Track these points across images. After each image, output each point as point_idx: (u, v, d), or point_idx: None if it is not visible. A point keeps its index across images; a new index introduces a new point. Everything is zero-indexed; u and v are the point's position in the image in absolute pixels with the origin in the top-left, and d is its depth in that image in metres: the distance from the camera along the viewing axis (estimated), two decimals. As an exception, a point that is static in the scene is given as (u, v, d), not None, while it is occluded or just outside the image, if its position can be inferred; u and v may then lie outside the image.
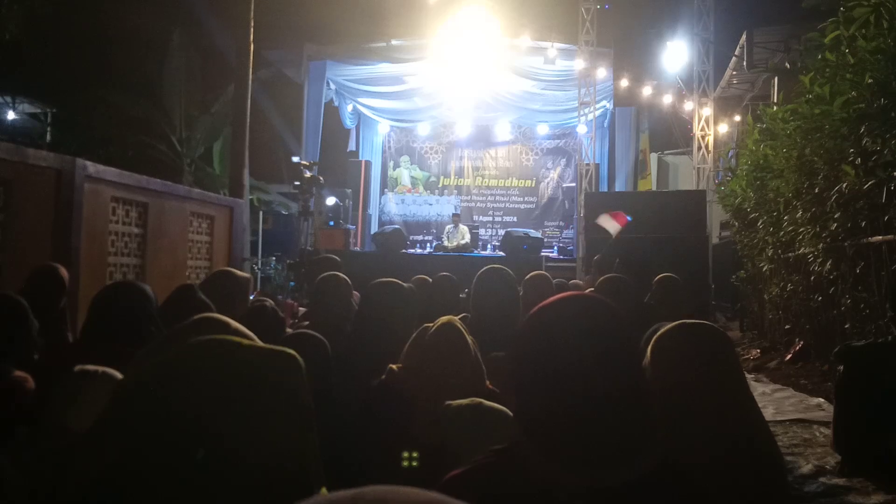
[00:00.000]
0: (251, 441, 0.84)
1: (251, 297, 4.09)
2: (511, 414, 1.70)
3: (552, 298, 1.14)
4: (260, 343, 0.97)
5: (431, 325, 2.14)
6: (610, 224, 8.15)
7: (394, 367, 2.16)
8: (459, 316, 2.70)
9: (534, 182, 16.35)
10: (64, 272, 3.50)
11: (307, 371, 0.96)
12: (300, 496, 0.72)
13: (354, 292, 3.48)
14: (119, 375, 1.70)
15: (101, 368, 1.76)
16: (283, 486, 0.84)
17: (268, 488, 0.83)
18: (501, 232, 14.13)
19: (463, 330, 2.10)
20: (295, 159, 10.75)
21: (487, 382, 2.12)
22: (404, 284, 3.04)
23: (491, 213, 16.37)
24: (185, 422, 0.82)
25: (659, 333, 1.57)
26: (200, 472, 0.81)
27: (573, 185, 14.76)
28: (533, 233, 12.39)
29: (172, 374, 0.87)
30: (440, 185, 16.70)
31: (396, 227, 13.32)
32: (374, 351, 2.50)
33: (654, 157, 15.91)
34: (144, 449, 0.81)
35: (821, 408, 4.97)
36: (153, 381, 0.88)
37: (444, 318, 2.13)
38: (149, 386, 0.88)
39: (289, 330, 3.49)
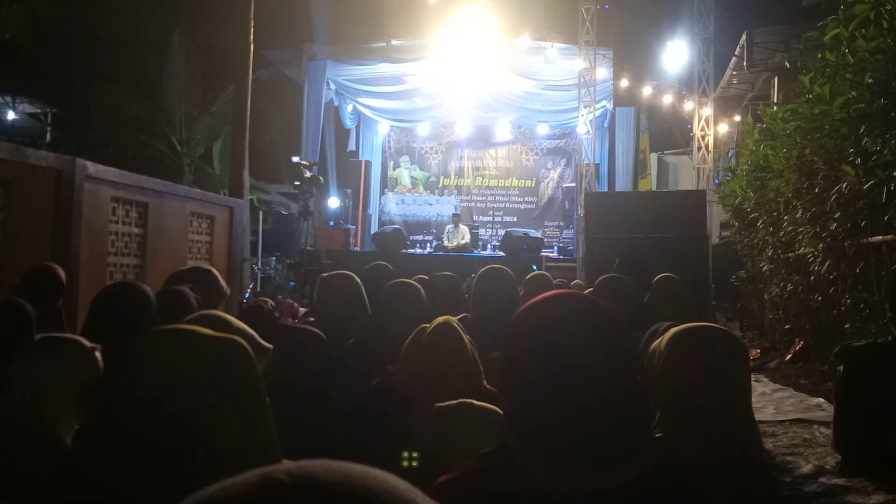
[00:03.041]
0: (209, 425, 0.85)
1: (246, 297, 4.07)
2: (500, 413, 1.70)
3: (539, 297, 1.11)
4: (213, 332, 0.98)
5: (428, 325, 2.14)
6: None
7: (391, 367, 2.16)
8: (459, 316, 2.70)
9: (534, 182, 16.35)
10: (61, 271, 3.50)
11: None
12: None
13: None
14: None
15: None
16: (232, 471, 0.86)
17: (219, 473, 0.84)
18: (501, 232, 14.12)
19: (460, 330, 2.10)
20: (295, 159, 10.75)
21: (485, 382, 2.12)
22: (419, 287, 3.02)
23: (491, 213, 16.36)
24: (158, 413, 0.83)
25: (676, 332, 1.56)
26: (198, 471, 0.81)
27: (573, 185, 14.75)
28: (533, 233, 12.38)
29: (138, 365, 0.89)
30: (440, 185, 16.69)
31: (396, 227, 13.32)
32: (388, 352, 2.49)
33: (654, 157, 15.90)
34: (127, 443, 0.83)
35: (821, 408, 4.97)
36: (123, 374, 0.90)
37: (440, 319, 2.13)
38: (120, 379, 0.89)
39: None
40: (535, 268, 7.95)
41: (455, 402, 1.73)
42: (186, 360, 0.89)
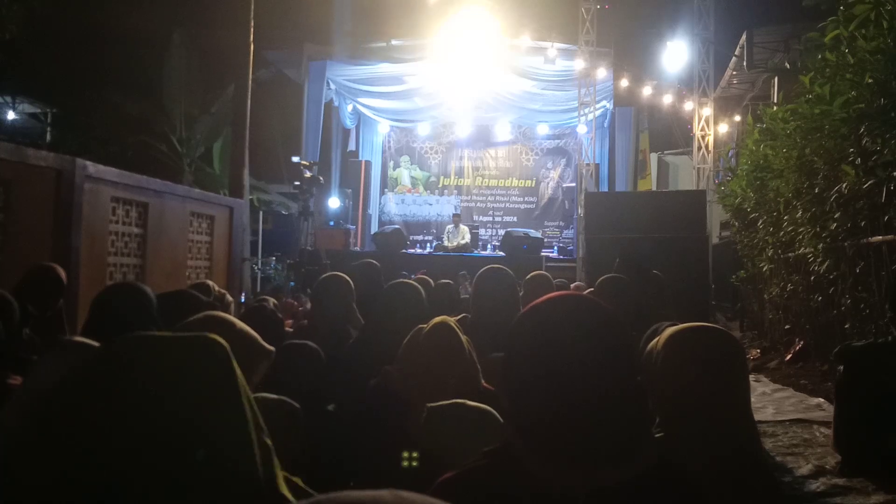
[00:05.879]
0: (195, 432, 0.83)
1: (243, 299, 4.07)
2: (495, 413, 1.70)
3: (543, 298, 1.13)
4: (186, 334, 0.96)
5: (426, 325, 2.13)
6: None
7: (388, 368, 2.16)
8: (459, 316, 2.70)
9: (534, 182, 16.35)
10: (61, 271, 3.50)
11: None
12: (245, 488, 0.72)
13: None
14: None
15: None
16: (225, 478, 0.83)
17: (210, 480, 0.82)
18: (501, 232, 14.13)
19: (457, 329, 2.10)
20: (295, 159, 10.75)
21: (483, 382, 2.12)
22: (419, 286, 3.02)
23: (491, 213, 16.37)
24: (136, 418, 0.82)
25: (674, 332, 1.56)
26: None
27: (573, 185, 14.76)
28: (533, 233, 12.40)
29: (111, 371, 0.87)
30: (440, 185, 16.69)
31: (396, 227, 13.33)
32: (388, 352, 2.49)
33: (654, 157, 15.91)
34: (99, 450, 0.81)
35: (821, 408, 4.97)
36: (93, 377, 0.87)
37: (438, 319, 2.12)
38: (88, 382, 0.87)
39: (289, 329, 3.50)
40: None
41: (448, 402, 1.73)
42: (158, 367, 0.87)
